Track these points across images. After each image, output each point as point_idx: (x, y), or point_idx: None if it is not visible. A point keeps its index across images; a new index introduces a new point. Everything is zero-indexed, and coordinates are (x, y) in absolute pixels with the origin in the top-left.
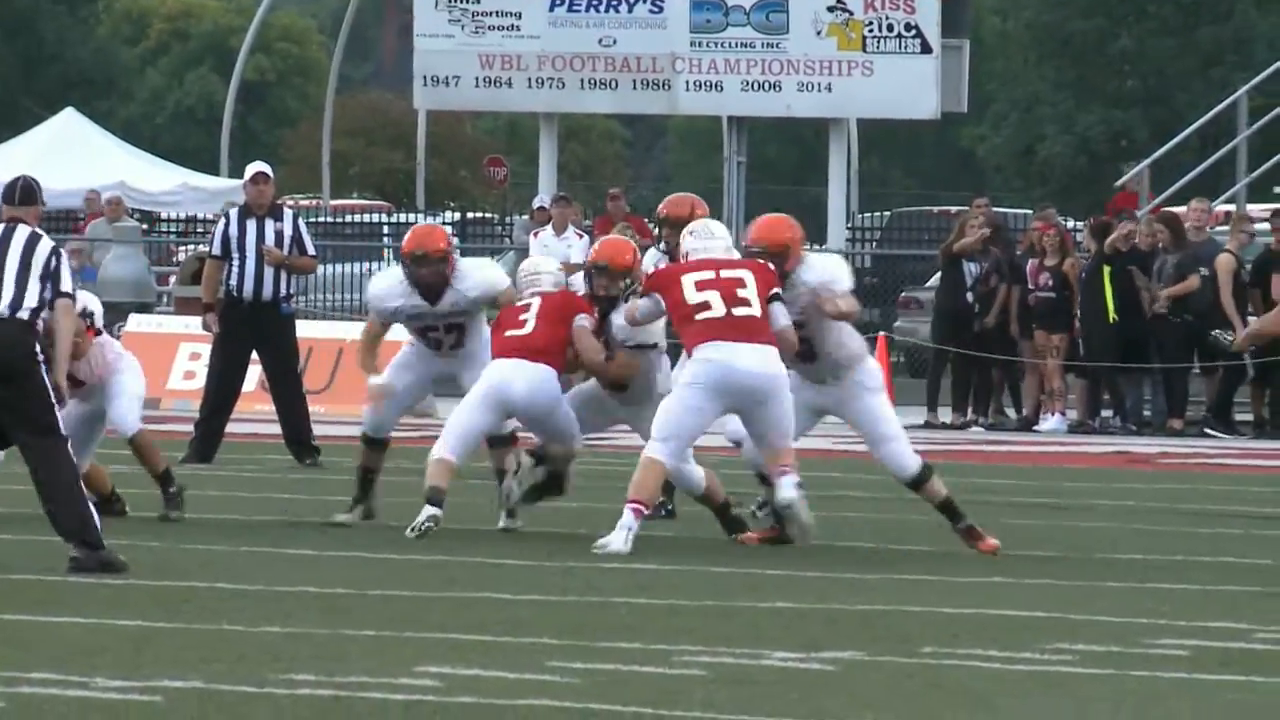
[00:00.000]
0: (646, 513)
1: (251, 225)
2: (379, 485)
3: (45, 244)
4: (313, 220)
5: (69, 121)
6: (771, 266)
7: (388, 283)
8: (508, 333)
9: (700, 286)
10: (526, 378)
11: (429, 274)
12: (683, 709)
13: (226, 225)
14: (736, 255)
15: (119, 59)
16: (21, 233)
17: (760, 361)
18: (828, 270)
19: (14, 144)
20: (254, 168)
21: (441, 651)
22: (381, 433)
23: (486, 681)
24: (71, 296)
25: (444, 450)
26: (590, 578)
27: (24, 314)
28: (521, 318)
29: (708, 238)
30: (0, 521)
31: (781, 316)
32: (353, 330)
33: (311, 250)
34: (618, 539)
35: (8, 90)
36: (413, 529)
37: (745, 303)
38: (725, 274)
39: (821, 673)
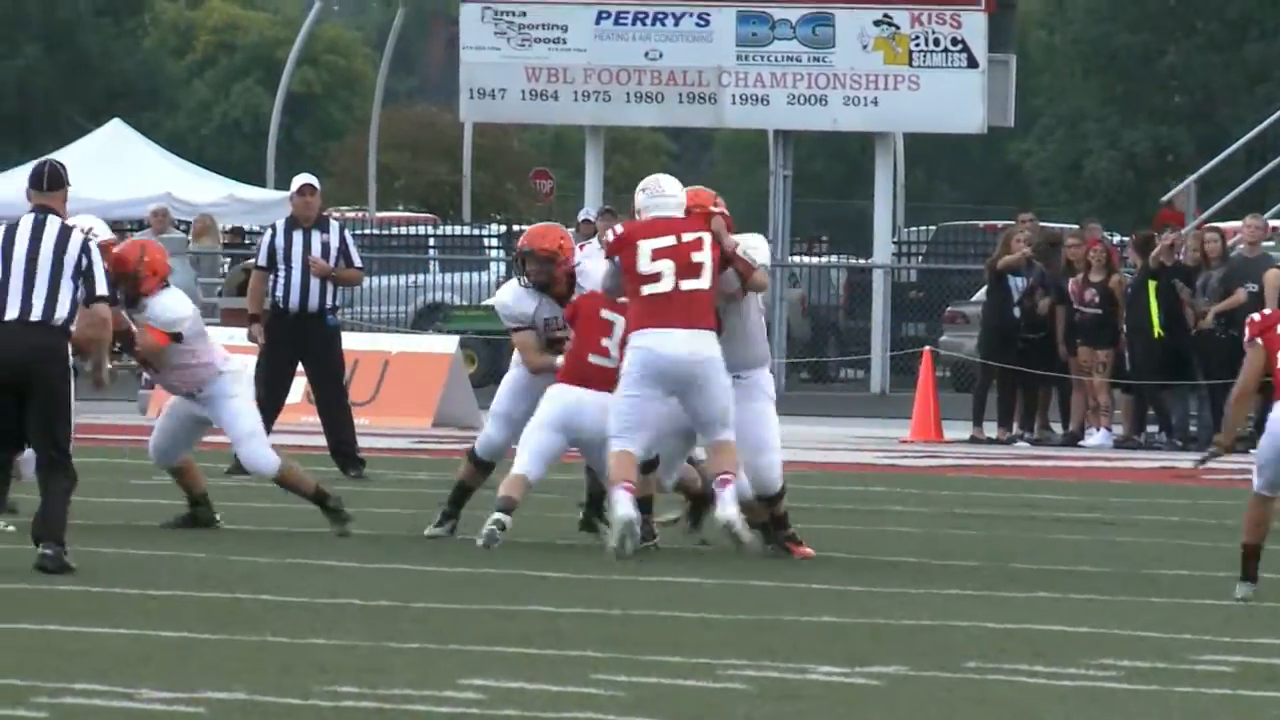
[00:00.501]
0: (635, 492)
1: (298, 237)
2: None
3: (76, 239)
4: (359, 232)
5: (115, 133)
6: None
7: (511, 292)
8: (591, 358)
9: (657, 255)
10: (599, 407)
11: (536, 271)
12: None
13: (273, 237)
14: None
15: (165, 71)
16: (52, 226)
17: (690, 347)
18: (750, 241)
19: (60, 155)
20: (301, 179)
21: (485, 664)
22: (492, 456)
23: (530, 694)
24: (110, 300)
25: (521, 468)
26: (634, 590)
27: (58, 321)
28: (605, 343)
29: (659, 194)
30: None
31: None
32: (398, 342)
33: (358, 262)
34: (622, 507)
35: (52, 102)
36: (481, 537)
37: (697, 272)
38: (686, 237)
39: (866, 687)
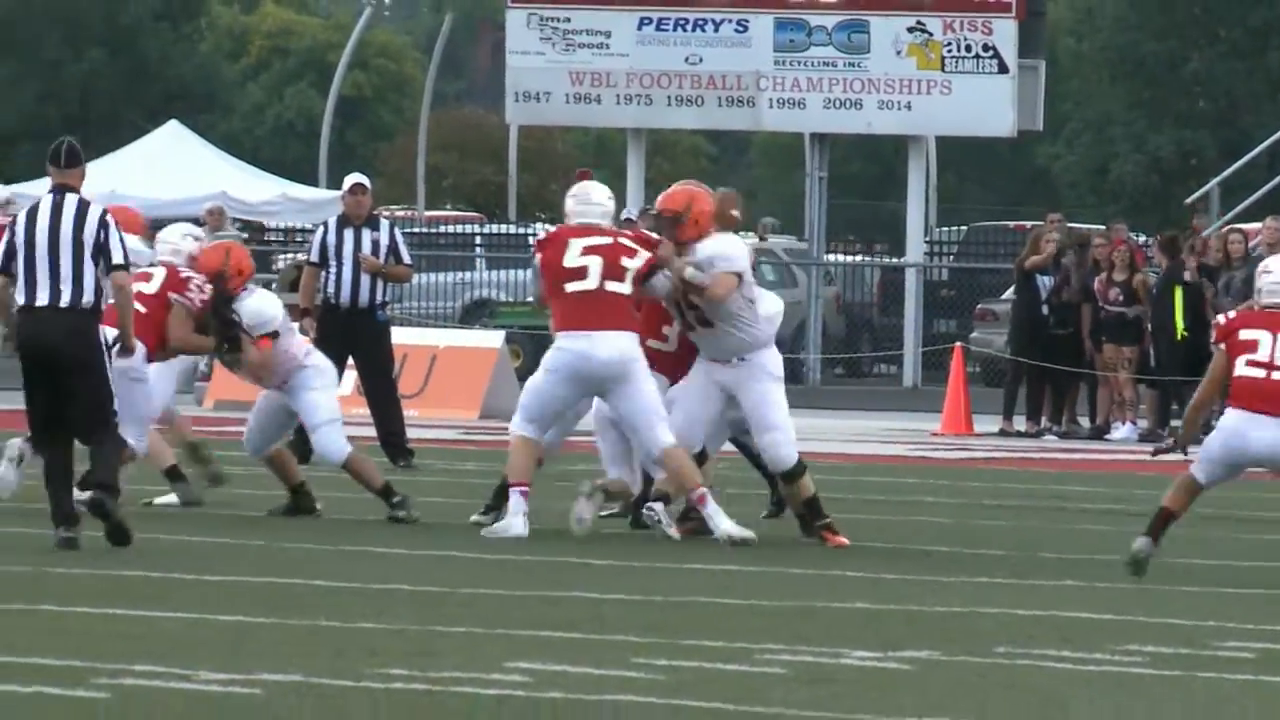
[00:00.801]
0: (529, 491)
1: (349, 234)
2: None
3: (94, 215)
4: (408, 231)
5: (173, 134)
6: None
7: None
8: (650, 343)
9: (587, 251)
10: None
11: None
12: (763, 706)
13: (325, 234)
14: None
15: (221, 74)
16: (70, 205)
17: (620, 349)
18: (720, 248)
19: (120, 155)
20: (352, 179)
21: (531, 648)
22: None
23: (574, 677)
24: (125, 267)
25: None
26: (675, 578)
27: (86, 304)
28: (665, 330)
29: (586, 202)
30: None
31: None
32: (446, 337)
33: (407, 259)
34: (517, 524)
35: (113, 104)
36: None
37: (621, 275)
38: (623, 240)
39: (899, 671)
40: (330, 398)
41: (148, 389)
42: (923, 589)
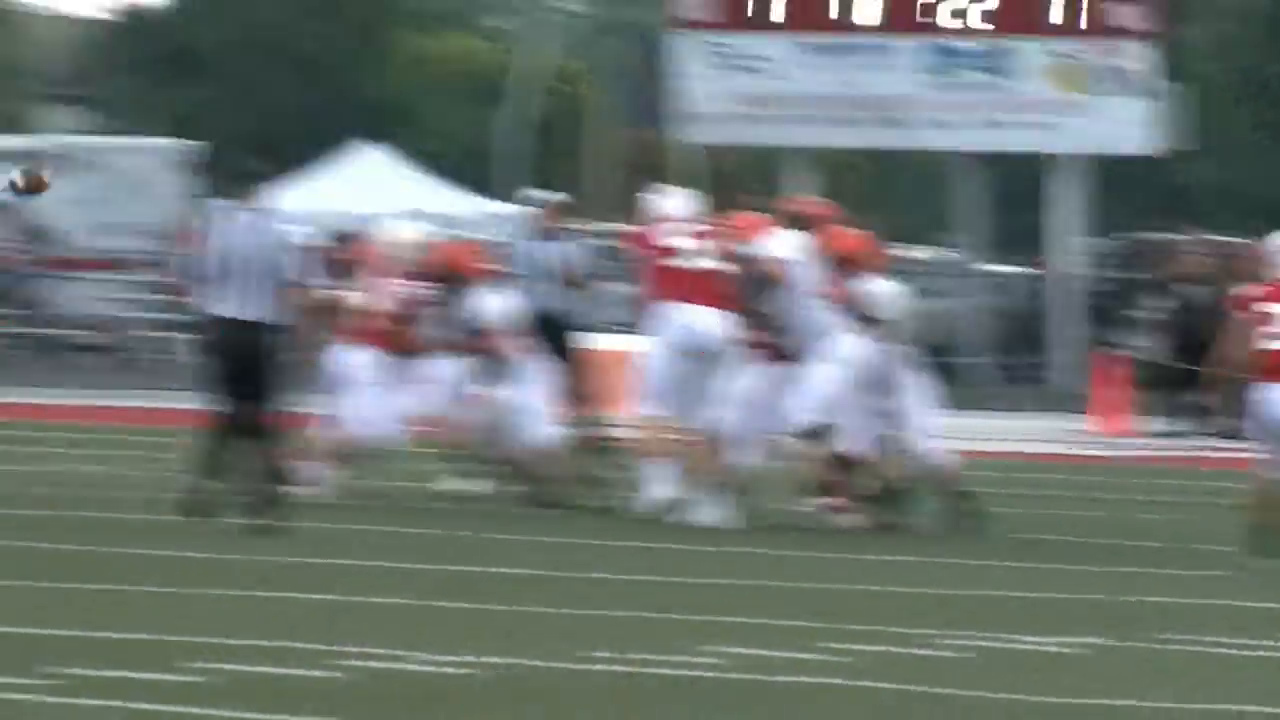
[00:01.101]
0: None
1: (539, 247)
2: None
3: (277, 234)
4: (597, 244)
5: (369, 154)
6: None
7: None
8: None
9: (673, 233)
10: None
11: None
12: (942, 687)
13: (516, 247)
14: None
15: (411, 96)
16: (260, 224)
17: (712, 325)
18: (772, 244)
19: (324, 174)
20: (540, 195)
21: (722, 633)
22: None
23: (764, 660)
24: (299, 284)
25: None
26: (856, 568)
27: (265, 318)
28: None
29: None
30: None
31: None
32: (634, 343)
33: (592, 271)
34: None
35: (310, 126)
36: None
37: (711, 253)
38: (697, 226)
39: (1071, 656)
40: (535, 392)
41: (377, 392)
42: (1088, 579)
